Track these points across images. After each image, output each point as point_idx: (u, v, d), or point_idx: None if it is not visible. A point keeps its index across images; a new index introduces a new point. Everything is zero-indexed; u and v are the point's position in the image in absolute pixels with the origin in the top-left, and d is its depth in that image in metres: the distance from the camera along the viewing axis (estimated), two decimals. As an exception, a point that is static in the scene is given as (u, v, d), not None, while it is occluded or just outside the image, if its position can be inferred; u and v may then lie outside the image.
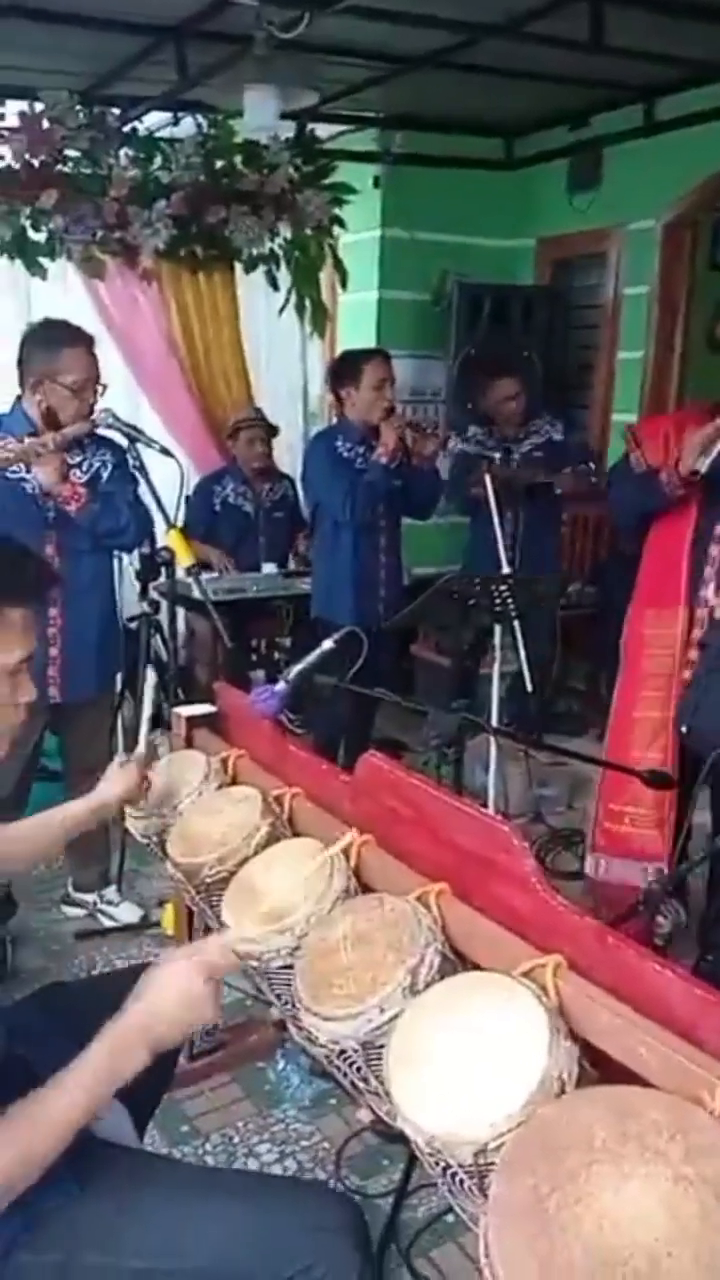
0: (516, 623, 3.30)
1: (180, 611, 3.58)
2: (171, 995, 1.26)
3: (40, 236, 3.96)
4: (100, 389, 2.76)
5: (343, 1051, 1.39)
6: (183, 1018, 1.27)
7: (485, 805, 3.18)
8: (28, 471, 2.66)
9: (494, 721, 3.36)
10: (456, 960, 1.44)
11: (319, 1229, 1.27)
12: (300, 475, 4.30)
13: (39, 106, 3.81)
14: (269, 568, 4.41)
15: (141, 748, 1.96)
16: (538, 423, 4.15)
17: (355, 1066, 1.39)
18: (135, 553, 3.50)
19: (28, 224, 3.91)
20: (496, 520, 3.44)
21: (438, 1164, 1.21)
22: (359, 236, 4.90)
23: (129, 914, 3.12)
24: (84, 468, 2.78)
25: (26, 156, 3.81)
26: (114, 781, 1.84)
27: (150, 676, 2.09)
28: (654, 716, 2.66)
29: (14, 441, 2.62)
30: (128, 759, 1.88)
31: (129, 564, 3.75)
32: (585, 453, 4.23)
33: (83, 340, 2.75)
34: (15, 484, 2.68)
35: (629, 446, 2.77)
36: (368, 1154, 2.19)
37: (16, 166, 3.82)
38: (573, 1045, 1.22)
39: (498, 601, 3.15)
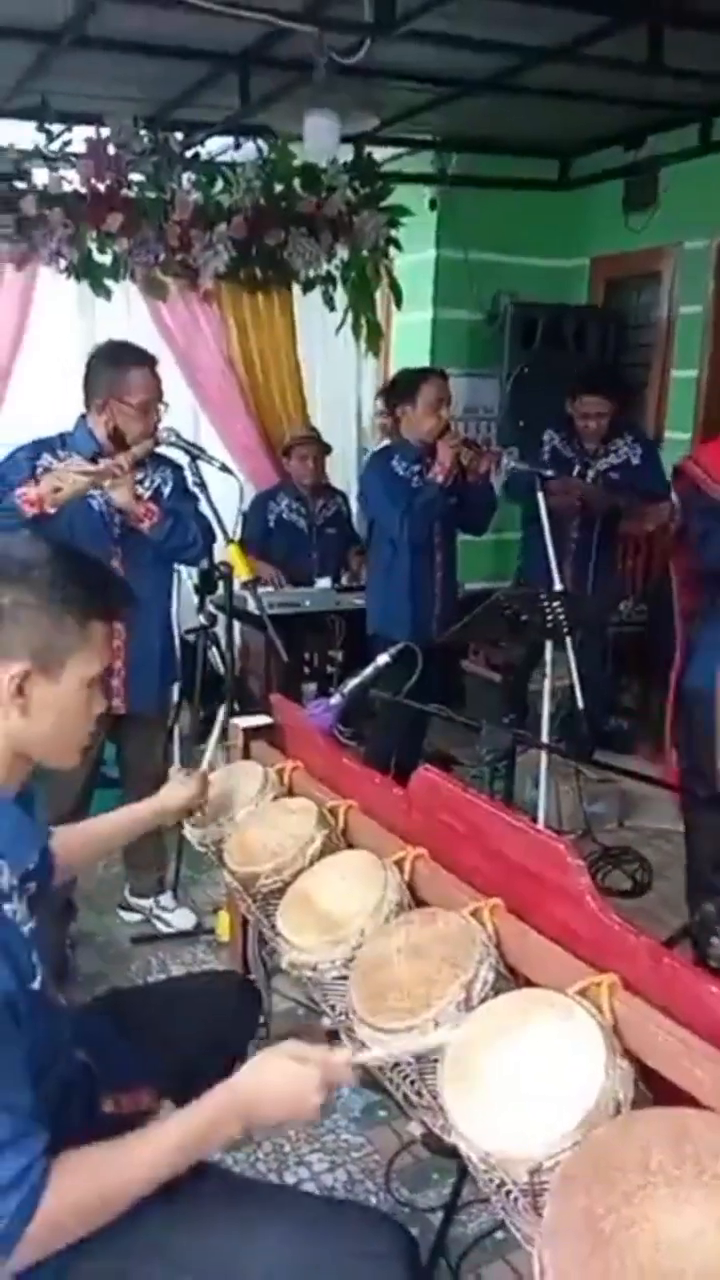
0: (568, 639, 3.30)
1: (235, 625, 3.63)
2: (284, 1094, 1.28)
3: (105, 259, 4.06)
4: (163, 407, 2.82)
5: (396, 1064, 1.40)
6: (284, 1114, 1.30)
7: (535, 821, 3.18)
8: (100, 491, 2.73)
9: (544, 738, 3.37)
10: (510, 977, 1.45)
11: (372, 1255, 1.29)
12: (356, 494, 4.34)
13: (105, 132, 3.91)
14: (322, 583, 4.45)
15: (206, 764, 2.00)
16: (618, 442, 4.04)
17: (409, 1079, 1.40)
18: (194, 567, 3.57)
19: (93, 247, 4.01)
20: (548, 534, 3.44)
21: (491, 1181, 1.22)
22: (414, 257, 4.94)
23: (184, 920, 3.17)
24: (145, 484, 2.84)
25: (93, 181, 3.92)
26: (174, 790, 1.88)
27: (219, 718, 2.13)
28: None
29: (90, 464, 2.67)
30: (191, 771, 1.92)
31: (187, 578, 3.83)
32: (662, 482, 4.00)
33: (148, 361, 2.82)
34: (82, 501, 2.74)
35: (696, 479, 2.65)
36: (418, 1167, 2.20)
37: (84, 191, 3.92)
38: (629, 1065, 1.23)
39: (549, 617, 3.15)
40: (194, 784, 1.89)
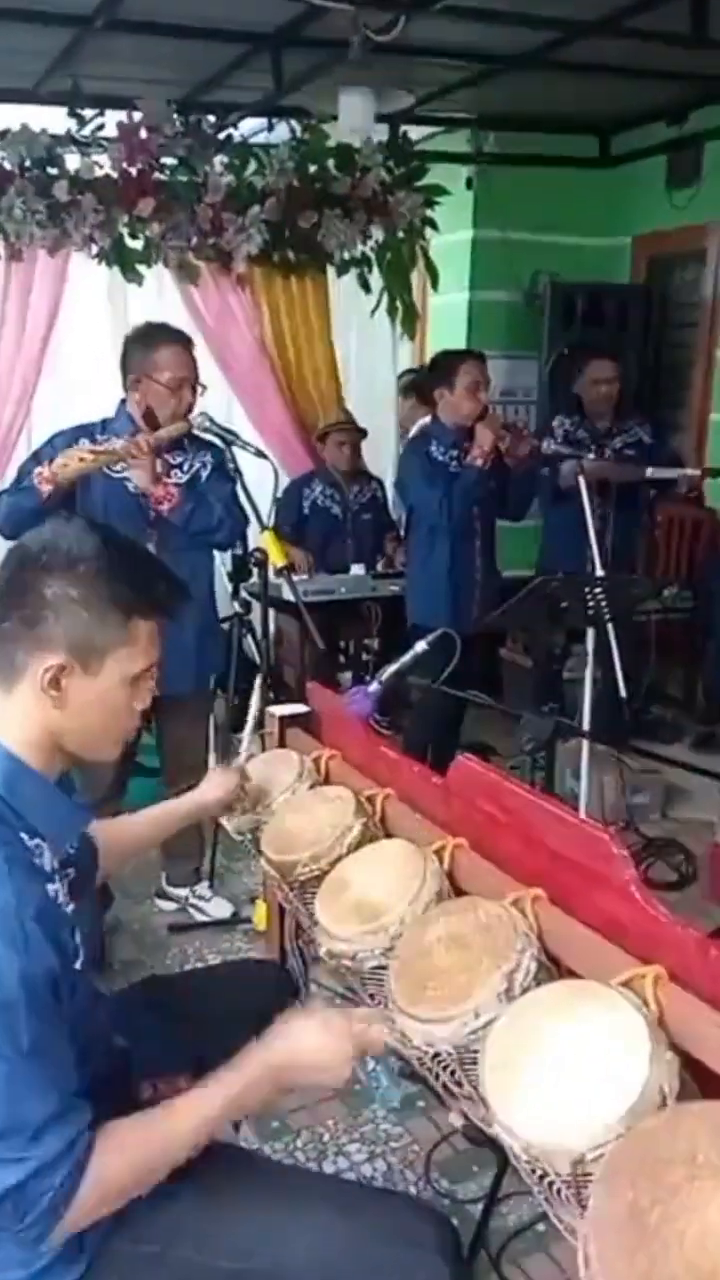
0: (610, 625, 3.25)
1: (269, 612, 3.62)
2: (317, 1061, 1.29)
3: (137, 244, 4.05)
4: (200, 390, 2.81)
5: (436, 1054, 1.38)
6: (314, 1080, 1.31)
7: (576, 811, 3.14)
8: (117, 470, 2.72)
9: (585, 727, 3.32)
10: (552, 967, 1.42)
11: (412, 1244, 1.27)
12: (394, 481, 4.30)
13: (137, 116, 3.89)
14: (357, 569, 4.42)
15: (243, 754, 1.98)
16: (629, 422, 4.06)
17: (449, 1070, 1.38)
18: (228, 553, 3.55)
19: (125, 231, 4.00)
20: (590, 518, 3.38)
21: (534, 1172, 1.20)
22: (450, 238, 4.89)
23: (220, 909, 3.17)
24: (184, 468, 2.83)
25: (125, 165, 3.90)
26: (213, 785, 1.87)
27: (256, 687, 2.10)
28: None
29: (113, 440, 2.68)
30: (227, 764, 1.91)
31: (221, 564, 3.82)
32: (676, 460, 4.11)
33: (180, 339, 2.81)
34: (119, 484, 2.74)
35: None
36: (458, 1159, 2.18)
37: (115, 175, 3.91)
38: (674, 1058, 1.20)
39: (590, 604, 3.09)
40: (231, 778, 1.88)
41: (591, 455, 3.62)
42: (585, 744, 3.29)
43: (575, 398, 4.07)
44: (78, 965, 1.24)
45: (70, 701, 1.24)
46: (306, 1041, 1.29)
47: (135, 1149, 1.19)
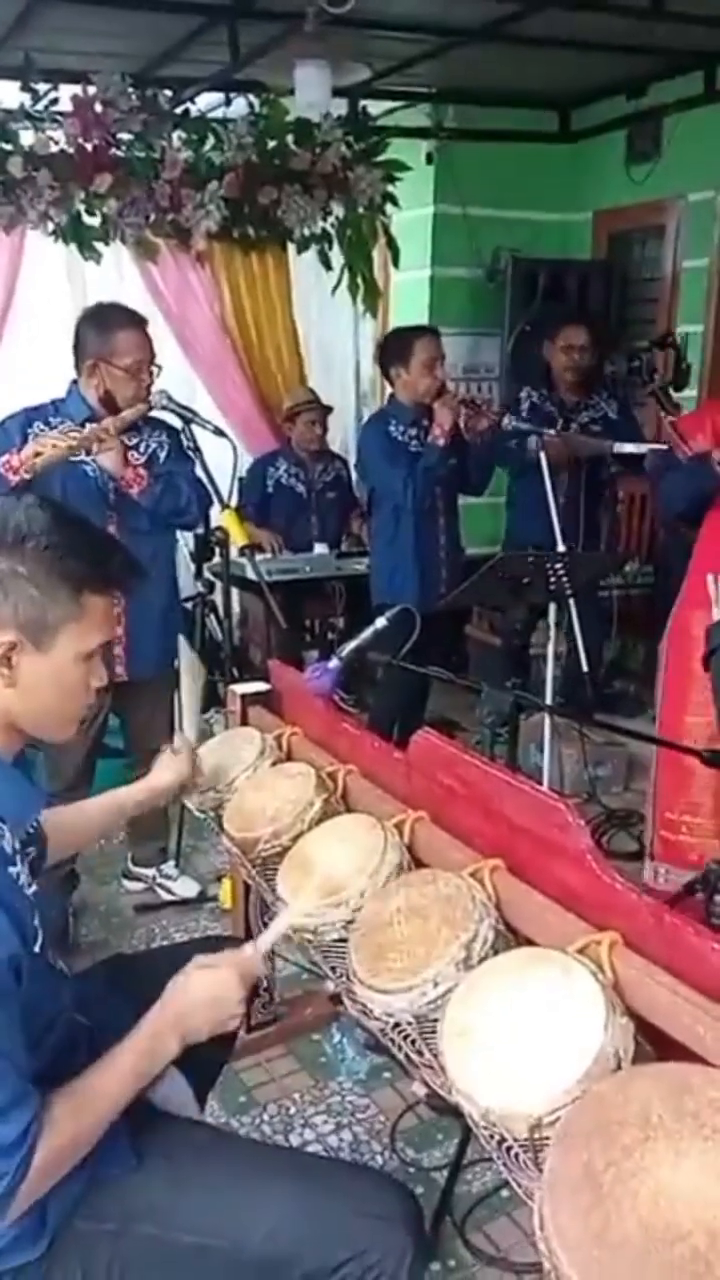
0: (571, 601, 3.27)
1: (234, 592, 3.61)
2: (208, 999, 1.34)
3: (94, 221, 3.99)
4: (155, 370, 2.78)
5: (397, 1024, 1.39)
6: (211, 1017, 1.35)
7: (540, 785, 3.17)
8: (87, 455, 2.69)
9: (548, 701, 3.35)
10: (510, 936, 1.44)
11: (374, 1216, 1.29)
12: (355, 461, 4.29)
13: (92, 90, 3.83)
14: (321, 548, 4.42)
15: (190, 733, 1.94)
16: (595, 398, 4.04)
17: (409, 1039, 1.39)
18: (190, 534, 3.53)
19: (82, 208, 3.94)
20: (551, 495, 3.39)
21: (492, 1137, 1.22)
22: (411, 214, 4.86)
23: (187, 889, 3.17)
24: (140, 449, 2.80)
25: (80, 141, 3.84)
26: (167, 768, 1.83)
27: (193, 661, 2.06)
28: (704, 721, 2.64)
29: (75, 429, 2.64)
30: (178, 746, 1.86)
31: (183, 545, 3.79)
32: (640, 436, 4.10)
33: (137, 322, 2.77)
34: (77, 467, 2.70)
35: (673, 442, 2.74)
36: (422, 1128, 2.21)
37: (70, 151, 3.84)
38: (628, 1022, 1.22)
39: (552, 580, 3.11)
40: (183, 761, 1.83)
41: (552, 431, 3.61)
42: (548, 718, 3.32)
43: (545, 366, 4.01)
44: (36, 948, 1.24)
45: (22, 679, 1.24)
46: (192, 984, 1.34)
47: (66, 1125, 1.21)
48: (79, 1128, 1.23)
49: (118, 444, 2.66)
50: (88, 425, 2.66)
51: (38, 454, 2.54)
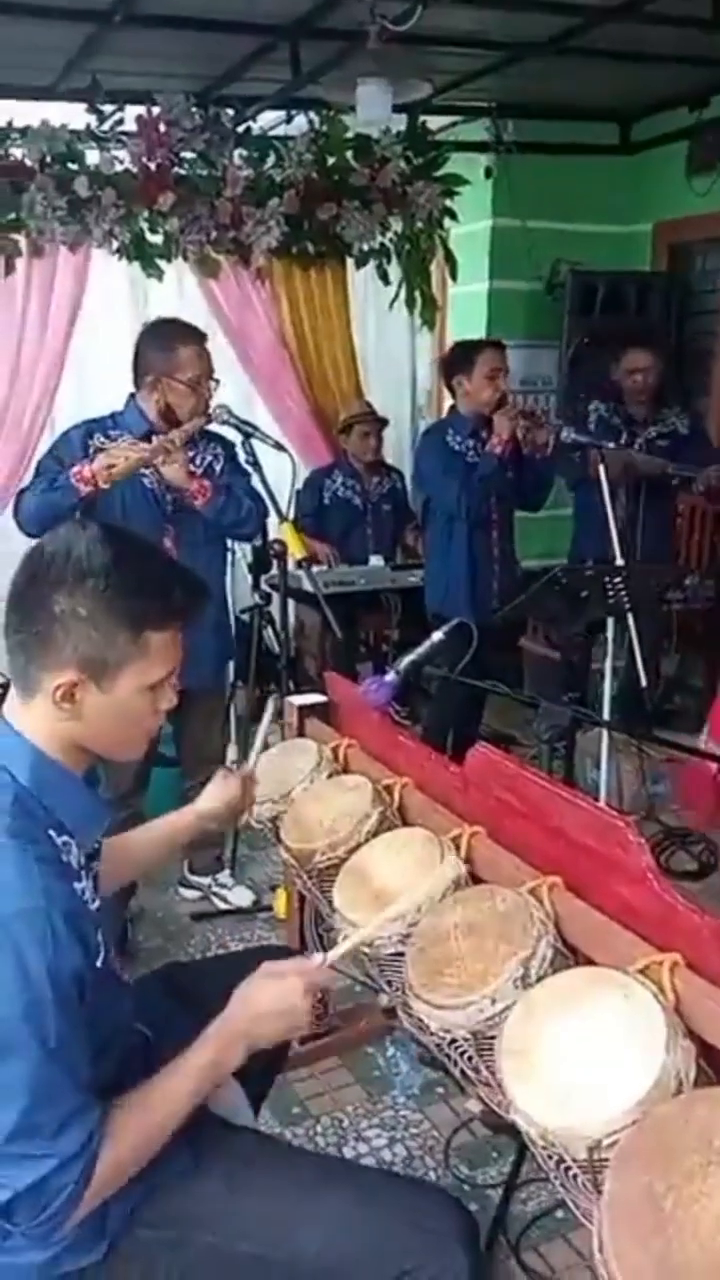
0: (630, 615, 3.23)
1: (290, 604, 3.63)
2: (274, 1009, 1.33)
3: (157, 239, 4.06)
4: (215, 384, 2.82)
5: (453, 1040, 1.39)
6: (279, 1027, 1.35)
7: (597, 801, 3.14)
8: (147, 467, 2.73)
9: (606, 716, 3.31)
10: (569, 954, 1.43)
11: (431, 1230, 1.28)
12: (411, 472, 4.29)
13: (155, 111, 3.90)
14: (376, 560, 4.43)
15: (252, 762, 1.87)
16: (666, 412, 4.00)
17: (466, 1056, 1.39)
18: (249, 546, 3.56)
19: (145, 226, 4.01)
20: (610, 509, 3.37)
21: (550, 1158, 1.21)
22: (470, 227, 4.86)
23: (242, 898, 3.19)
24: (197, 461, 2.83)
25: (144, 160, 3.91)
26: (218, 792, 1.76)
27: (270, 706, 2.05)
28: None
29: (143, 443, 2.67)
30: (233, 770, 1.81)
31: (241, 557, 3.83)
32: (712, 454, 4.00)
33: (197, 337, 2.81)
34: (133, 479, 2.74)
35: None
36: (477, 1145, 2.19)
37: (134, 170, 3.92)
38: (690, 1045, 1.20)
39: (610, 593, 3.08)
40: (233, 786, 1.75)
41: (611, 445, 3.59)
42: (605, 733, 3.28)
43: (615, 385, 4.01)
44: (99, 963, 1.24)
45: (86, 714, 1.24)
46: (260, 993, 1.33)
47: (129, 1134, 1.22)
48: (141, 1138, 1.24)
49: (182, 456, 2.70)
50: (154, 438, 2.70)
51: (111, 465, 2.57)
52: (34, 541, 1.29)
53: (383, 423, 4.56)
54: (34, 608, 1.21)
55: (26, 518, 2.69)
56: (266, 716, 1.98)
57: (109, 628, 1.21)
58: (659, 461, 3.83)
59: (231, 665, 3.28)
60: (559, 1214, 1.96)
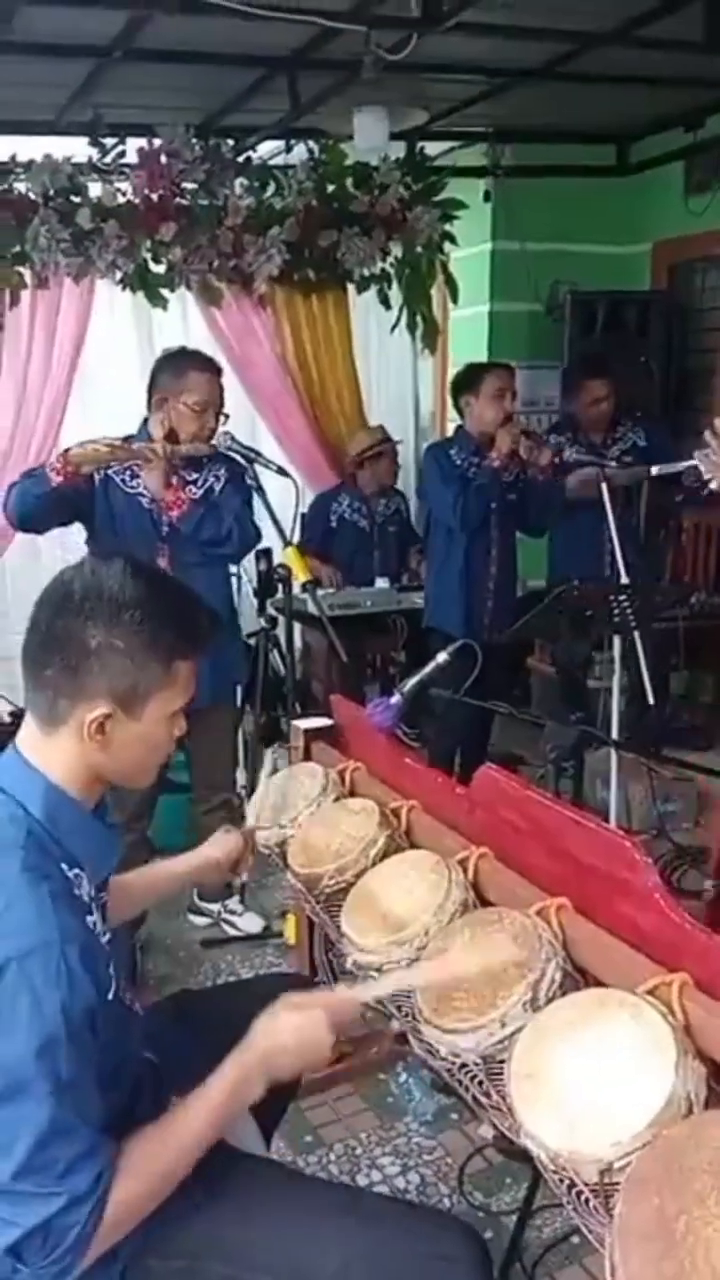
0: (636, 634, 3.23)
1: (296, 626, 3.64)
2: (294, 1038, 1.31)
3: (160, 268, 4.11)
4: (223, 418, 2.85)
5: (464, 1065, 1.39)
6: (300, 1061, 1.33)
7: (606, 821, 3.12)
8: (125, 467, 2.75)
9: (613, 735, 3.30)
10: (578, 976, 1.43)
11: (444, 1258, 1.27)
12: (415, 488, 4.31)
13: (157, 142, 3.95)
14: (382, 582, 4.45)
15: (252, 819, 1.89)
16: (621, 429, 4.08)
17: (476, 1080, 1.39)
18: (253, 570, 3.58)
19: (148, 256, 4.06)
20: (613, 526, 3.38)
21: (562, 1181, 1.20)
22: (470, 251, 4.91)
23: (252, 924, 3.18)
24: (199, 484, 2.87)
25: (146, 191, 3.96)
26: (217, 846, 1.77)
27: (267, 762, 2.09)
28: None
29: (125, 442, 2.71)
30: (233, 827, 1.81)
31: (247, 581, 3.85)
32: (674, 455, 4.05)
33: (211, 367, 2.87)
34: (134, 498, 2.79)
35: None
36: (491, 1171, 2.17)
37: (137, 201, 3.97)
38: (700, 1065, 1.20)
39: (616, 612, 3.09)
40: (234, 840, 1.76)
41: (614, 463, 3.61)
42: (613, 752, 3.27)
43: (571, 417, 4.13)
44: (110, 996, 1.25)
45: (113, 743, 1.26)
46: (282, 1024, 1.31)
47: (144, 1171, 1.20)
48: (156, 1176, 1.22)
49: (162, 465, 2.72)
50: (138, 445, 2.73)
51: (82, 450, 2.60)
52: (53, 579, 1.29)
53: (395, 443, 4.62)
54: (66, 641, 1.23)
55: (10, 510, 2.76)
56: (266, 769, 1.99)
57: (144, 659, 1.24)
58: (640, 469, 3.86)
59: (240, 689, 3.28)
60: (574, 1239, 1.94)
